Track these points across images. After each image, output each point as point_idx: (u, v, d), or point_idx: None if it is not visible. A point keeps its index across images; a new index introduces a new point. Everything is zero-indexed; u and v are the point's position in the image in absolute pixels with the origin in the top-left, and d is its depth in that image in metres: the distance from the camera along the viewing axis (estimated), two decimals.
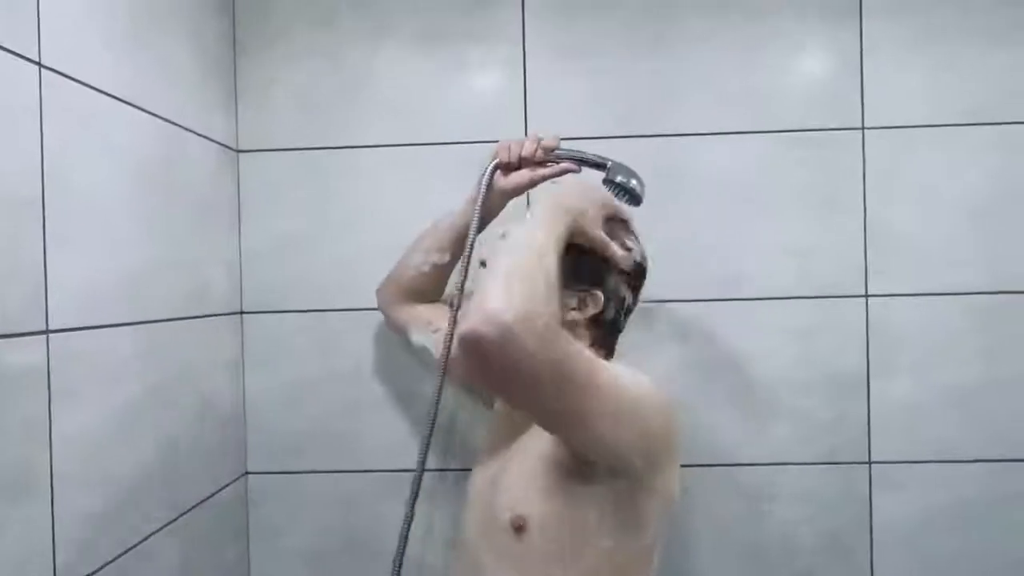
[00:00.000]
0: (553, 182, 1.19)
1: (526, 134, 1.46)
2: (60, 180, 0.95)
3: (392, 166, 1.48)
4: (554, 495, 1.00)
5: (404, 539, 1.20)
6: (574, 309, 1.09)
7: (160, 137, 1.21)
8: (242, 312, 1.49)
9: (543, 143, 1.20)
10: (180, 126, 1.27)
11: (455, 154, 1.46)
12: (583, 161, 1.20)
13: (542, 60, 1.46)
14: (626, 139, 1.45)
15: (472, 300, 0.88)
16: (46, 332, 0.92)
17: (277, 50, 1.48)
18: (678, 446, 1.03)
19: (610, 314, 1.11)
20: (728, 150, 1.44)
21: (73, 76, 0.98)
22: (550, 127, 1.44)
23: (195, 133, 1.32)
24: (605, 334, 1.12)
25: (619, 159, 1.18)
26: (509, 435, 1.12)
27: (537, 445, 1.04)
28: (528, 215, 1.02)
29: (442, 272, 1.30)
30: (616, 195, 1.15)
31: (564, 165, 1.20)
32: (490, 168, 1.22)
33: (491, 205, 1.22)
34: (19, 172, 0.89)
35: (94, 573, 1.01)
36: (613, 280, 1.10)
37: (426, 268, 1.29)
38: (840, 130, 1.42)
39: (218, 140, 1.41)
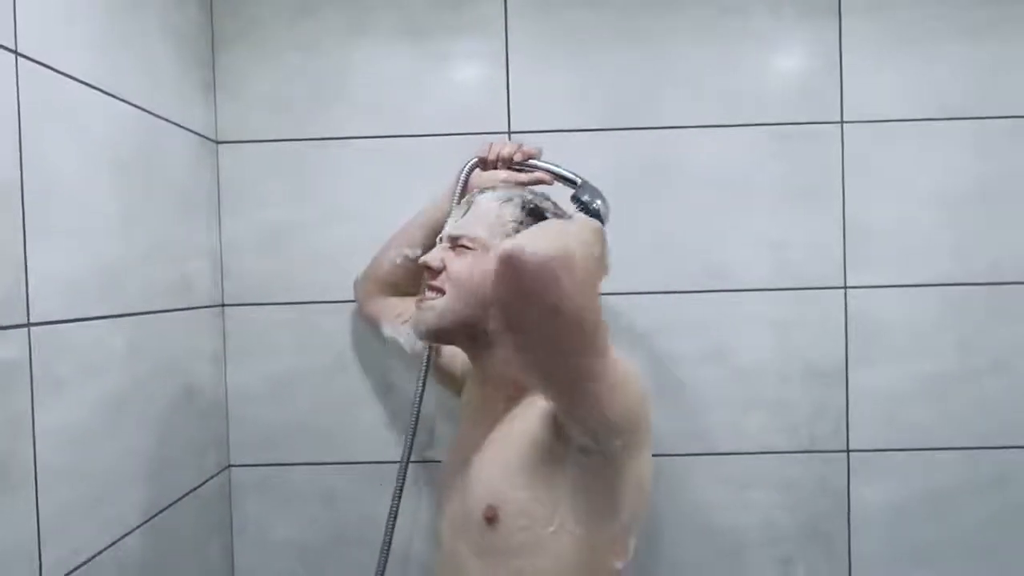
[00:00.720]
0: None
1: (509, 127, 1.46)
2: (39, 170, 0.94)
3: (373, 158, 1.47)
4: (525, 484, 1.01)
5: (390, 532, 1.23)
6: None
7: (138, 127, 1.19)
8: (223, 304, 1.48)
9: (524, 149, 1.26)
10: (158, 116, 1.25)
11: (437, 147, 1.46)
12: (557, 175, 1.25)
13: (525, 53, 1.46)
14: (608, 132, 1.45)
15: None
16: (27, 325, 0.91)
17: (256, 41, 1.47)
18: (650, 432, 1.04)
19: None
20: (710, 143, 1.45)
21: (50, 65, 0.97)
22: (533, 120, 1.46)
23: (173, 123, 1.30)
24: None
25: (591, 180, 1.21)
26: (479, 428, 1.12)
27: (510, 435, 1.05)
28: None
29: (416, 266, 1.29)
30: (580, 211, 1.17)
31: (538, 174, 1.25)
32: (471, 164, 1.28)
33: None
34: None
35: (80, 567, 1.00)
36: None
37: (399, 261, 1.31)
38: (820, 124, 1.44)
39: (197, 131, 1.39)
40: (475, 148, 1.29)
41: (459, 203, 1.20)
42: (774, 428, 1.45)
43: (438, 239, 1.15)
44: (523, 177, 1.25)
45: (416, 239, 1.30)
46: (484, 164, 1.27)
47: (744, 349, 1.45)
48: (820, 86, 1.44)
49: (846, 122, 1.44)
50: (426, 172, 1.46)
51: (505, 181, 1.23)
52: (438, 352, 1.33)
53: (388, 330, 1.32)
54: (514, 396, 1.08)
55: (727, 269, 1.45)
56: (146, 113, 1.21)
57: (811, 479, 1.45)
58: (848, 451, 1.45)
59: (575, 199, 1.19)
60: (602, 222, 1.16)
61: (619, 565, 1.03)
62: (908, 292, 1.44)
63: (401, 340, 1.30)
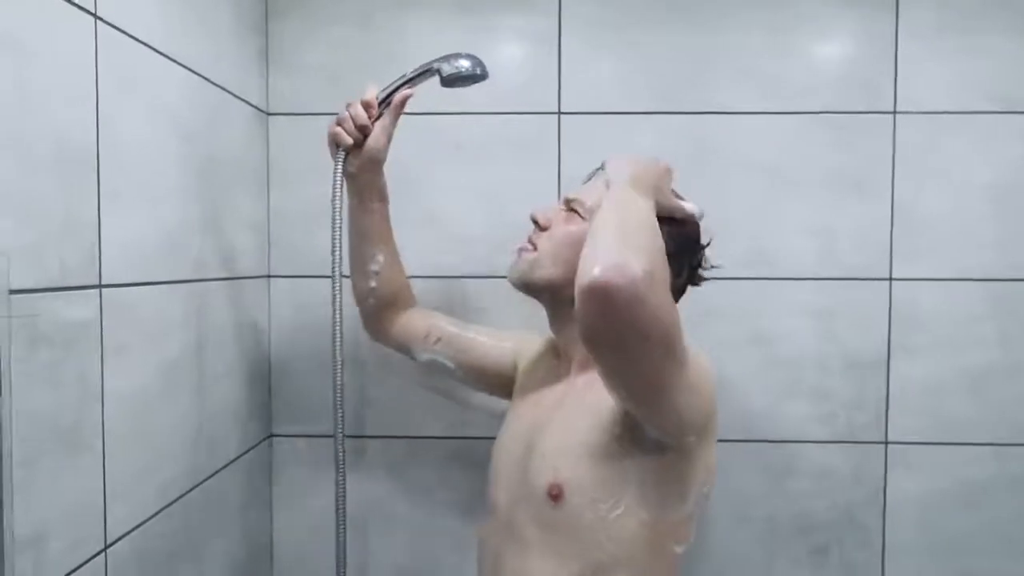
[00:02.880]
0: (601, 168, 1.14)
1: (559, 106, 1.46)
2: (113, 135, 0.95)
3: (421, 135, 1.47)
4: (593, 466, 1.00)
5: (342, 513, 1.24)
6: None
7: (201, 96, 1.20)
8: (269, 276, 1.49)
9: (365, 100, 1.17)
10: (219, 86, 1.26)
11: (485, 125, 1.46)
12: (412, 82, 1.19)
13: (577, 33, 1.46)
14: (657, 115, 1.45)
15: (588, 247, 0.84)
16: (99, 287, 0.92)
17: (309, 13, 1.47)
18: (718, 416, 1.04)
19: (682, 280, 1.11)
20: (759, 129, 1.44)
21: (125, 29, 0.97)
22: (582, 101, 1.45)
23: (231, 93, 1.31)
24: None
25: (448, 52, 1.17)
26: (548, 396, 1.13)
27: (580, 410, 1.05)
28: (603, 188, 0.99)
29: (392, 270, 1.29)
30: (465, 86, 1.17)
31: (400, 95, 1.18)
32: (340, 163, 1.20)
33: (365, 182, 1.21)
34: (77, 125, 0.89)
35: (137, 527, 1.02)
36: (677, 243, 1.04)
37: (374, 283, 1.28)
38: (872, 113, 1.43)
39: (251, 102, 1.40)
40: (327, 144, 1.21)
41: (338, 192, 1.19)
42: (813, 417, 1.46)
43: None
44: (392, 115, 1.18)
45: (366, 254, 1.27)
46: (355, 146, 1.18)
47: (786, 337, 1.45)
48: (874, 75, 1.43)
49: (899, 112, 1.43)
50: (473, 149, 1.47)
51: (385, 137, 1.18)
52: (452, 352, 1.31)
53: (424, 355, 1.32)
54: (588, 364, 1.07)
55: (772, 256, 1.45)
56: (208, 82, 1.21)
57: (848, 469, 1.46)
58: (887, 443, 1.45)
59: (449, 83, 1.15)
60: (486, 75, 1.17)
61: (679, 549, 1.04)
62: (954, 286, 1.44)
63: (440, 359, 1.31)
